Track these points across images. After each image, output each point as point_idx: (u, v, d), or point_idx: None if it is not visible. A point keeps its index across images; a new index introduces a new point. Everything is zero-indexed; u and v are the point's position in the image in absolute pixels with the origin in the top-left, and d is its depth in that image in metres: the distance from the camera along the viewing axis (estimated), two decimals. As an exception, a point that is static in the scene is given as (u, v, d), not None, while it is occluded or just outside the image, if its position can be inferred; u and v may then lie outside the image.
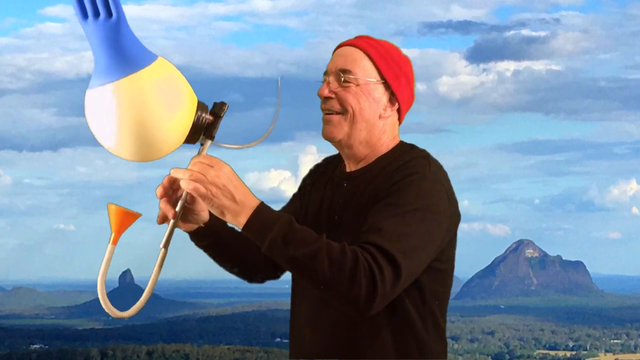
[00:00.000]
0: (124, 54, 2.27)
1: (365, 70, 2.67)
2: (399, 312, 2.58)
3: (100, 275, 2.40)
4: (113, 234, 2.43)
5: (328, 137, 2.69)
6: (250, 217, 2.42)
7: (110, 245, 2.43)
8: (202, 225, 2.66)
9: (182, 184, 2.42)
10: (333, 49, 2.76)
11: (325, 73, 2.71)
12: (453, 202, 2.65)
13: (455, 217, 2.65)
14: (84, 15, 2.25)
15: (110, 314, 2.42)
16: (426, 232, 2.52)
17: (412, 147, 2.72)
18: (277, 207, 2.44)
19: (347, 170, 2.75)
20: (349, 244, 2.43)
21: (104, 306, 2.41)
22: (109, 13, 2.23)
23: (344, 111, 2.66)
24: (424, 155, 2.67)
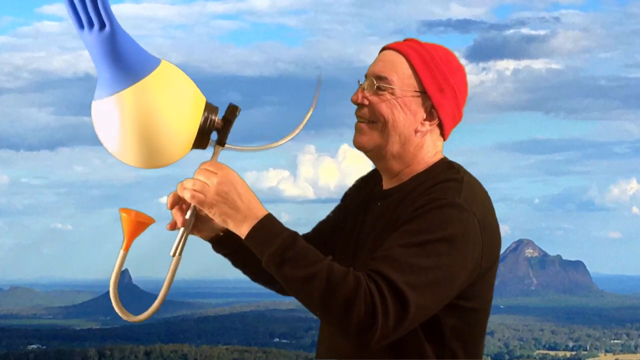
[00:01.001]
0: (124, 63, 2.20)
1: (403, 78, 2.44)
2: (414, 348, 2.37)
3: (112, 282, 2.36)
4: (125, 241, 2.37)
5: (358, 146, 2.48)
6: (252, 228, 2.27)
7: (122, 252, 2.37)
8: (220, 233, 2.52)
9: (185, 194, 2.31)
10: (379, 50, 2.52)
11: (365, 76, 2.49)
12: (489, 234, 2.38)
13: (490, 250, 2.39)
14: (80, 25, 2.17)
15: (124, 318, 2.37)
16: (446, 266, 2.27)
17: (449, 168, 2.47)
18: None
19: (384, 187, 2.54)
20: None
21: (117, 311, 2.36)
22: (101, 24, 2.15)
23: (375, 121, 2.45)
24: (458, 179, 2.40)
